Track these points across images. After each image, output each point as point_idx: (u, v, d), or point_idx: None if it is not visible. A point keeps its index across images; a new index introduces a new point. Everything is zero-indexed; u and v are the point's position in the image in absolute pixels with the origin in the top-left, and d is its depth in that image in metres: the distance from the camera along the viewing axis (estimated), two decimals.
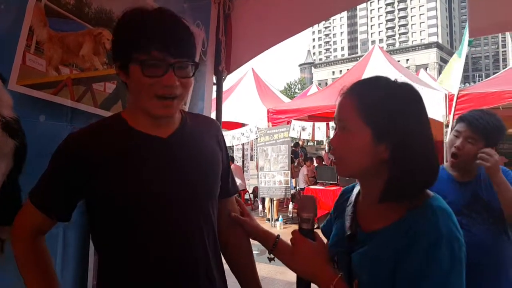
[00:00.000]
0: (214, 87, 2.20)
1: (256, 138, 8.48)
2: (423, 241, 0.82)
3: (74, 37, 1.40)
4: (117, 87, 1.54)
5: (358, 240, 0.95)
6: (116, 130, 1.04)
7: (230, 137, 9.03)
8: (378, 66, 7.93)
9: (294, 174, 9.30)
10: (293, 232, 0.99)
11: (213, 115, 2.24)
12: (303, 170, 8.98)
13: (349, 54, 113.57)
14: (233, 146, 10.92)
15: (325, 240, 1.05)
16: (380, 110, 0.89)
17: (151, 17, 0.97)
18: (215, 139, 1.18)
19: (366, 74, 8.17)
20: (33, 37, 1.27)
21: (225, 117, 9.24)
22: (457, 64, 5.35)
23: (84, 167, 0.99)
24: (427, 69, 58.29)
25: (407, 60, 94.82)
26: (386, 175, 0.91)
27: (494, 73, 11.61)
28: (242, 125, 9.14)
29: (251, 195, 10.13)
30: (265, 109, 8.05)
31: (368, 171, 0.93)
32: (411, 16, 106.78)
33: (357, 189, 1.07)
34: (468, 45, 4.62)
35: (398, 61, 10.31)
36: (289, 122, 8.14)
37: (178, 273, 1.02)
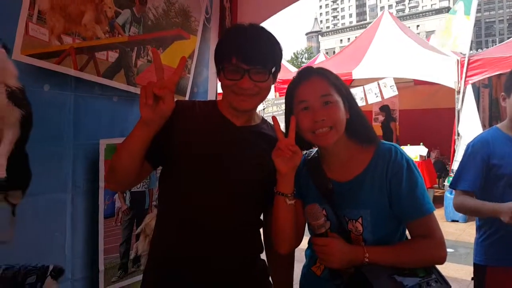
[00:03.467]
0: None
1: (263, 109, 8.44)
2: (402, 166, 1.18)
3: (75, 6, 1.39)
4: (120, 56, 1.54)
5: (336, 192, 1.22)
6: (208, 111, 1.29)
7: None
8: (388, 32, 7.74)
9: None
10: (315, 241, 1.17)
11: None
12: None
13: (357, 21, 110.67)
14: None
15: None
16: (340, 85, 1.22)
17: (240, 32, 1.20)
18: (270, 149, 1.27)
19: (376, 41, 7.98)
20: (35, 6, 1.26)
21: None
22: (466, 24, 5.13)
23: (177, 120, 1.21)
24: None
25: (418, 26, 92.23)
26: (345, 137, 1.23)
27: (508, 38, 11.23)
28: None
29: None
30: None
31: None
32: None
33: (312, 155, 1.33)
34: None
35: (408, 27, 10.02)
36: None
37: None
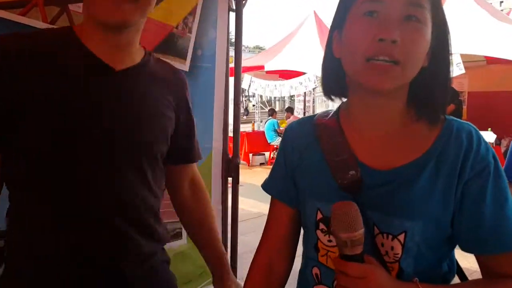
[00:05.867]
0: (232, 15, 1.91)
1: (315, 88, 8.09)
2: (489, 164, 0.70)
3: None
4: None
5: (367, 185, 0.73)
6: (62, 42, 0.86)
7: (287, 87, 8.72)
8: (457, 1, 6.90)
9: None
10: (344, 267, 0.67)
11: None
12: None
13: None
14: (293, 96, 10.60)
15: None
16: (439, 4, 0.72)
17: None
18: (174, 94, 1.02)
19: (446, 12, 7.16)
20: None
21: (283, 66, 8.97)
22: None
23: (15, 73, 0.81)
24: None
25: (501, 2, 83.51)
26: (405, 97, 0.75)
27: None
28: (303, 74, 8.74)
29: None
30: None
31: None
32: None
33: (333, 117, 0.83)
34: None
35: (490, 3, 8.88)
36: None
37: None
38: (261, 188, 0.92)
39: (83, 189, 0.85)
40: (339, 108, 0.85)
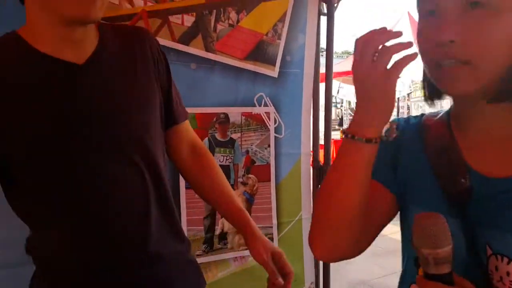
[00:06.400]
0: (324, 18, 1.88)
1: (410, 93, 7.63)
2: None
3: None
4: (197, 20, 1.46)
5: (478, 195, 0.63)
6: (12, 52, 0.79)
7: None
8: None
9: None
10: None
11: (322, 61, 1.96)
12: None
13: None
14: None
15: None
16: None
17: None
18: (147, 55, 0.92)
19: None
20: None
21: None
22: None
23: None
24: None
25: None
26: None
27: None
28: None
29: None
30: None
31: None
32: None
33: (443, 118, 0.73)
34: None
35: None
36: None
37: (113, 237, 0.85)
38: None
39: (98, 196, 0.83)
40: (449, 109, 0.75)
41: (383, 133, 0.63)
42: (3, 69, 0.77)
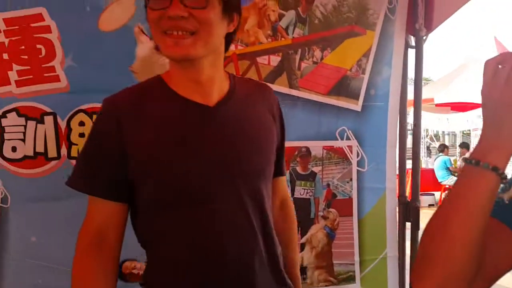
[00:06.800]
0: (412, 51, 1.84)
1: None
2: None
3: None
4: (282, 59, 1.52)
5: None
6: (155, 94, 0.91)
7: (463, 121, 7.81)
8: None
9: None
10: None
11: (410, 90, 1.91)
12: None
13: None
14: (469, 131, 9.44)
15: None
16: None
17: None
18: (269, 109, 1.01)
19: None
20: None
21: (456, 98, 8.13)
22: None
23: (120, 133, 0.86)
24: None
25: None
26: None
27: None
28: (480, 106, 7.71)
29: None
30: None
31: None
32: None
33: None
34: None
35: None
36: None
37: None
38: None
39: (218, 228, 0.87)
40: None
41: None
42: (146, 104, 0.89)
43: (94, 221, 0.88)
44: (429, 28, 1.79)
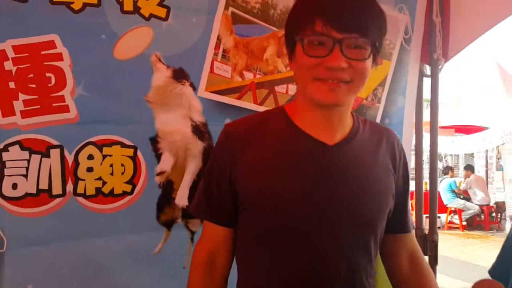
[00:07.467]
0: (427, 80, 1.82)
1: (503, 144, 7.00)
2: None
3: (258, 42, 1.41)
4: None
5: None
6: (275, 125, 0.91)
7: (466, 143, 7.79)
8: None
9: None
10: None
11: (426, 115, 1.89)
12: None
13: None
14: (473, 153, 9.43)
15: None
16: None
17: None
18: (390, 156, 0.96)
19: None
20: (220, 46, 1.34)
21: (460, 120, 8.12)
22: None
23: (234, 160, 0.89)
24: None
25: None
26: None
27: None
28: (484, 129, 7.73)
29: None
30: None
31: None
32: None
33: None
34: None
35: None
36: None
37: None
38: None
39: (313, 268, 0.86)
40: None
41: None
42: (264, 134, 0.90)
43: (209, 241, 0.93)
44: (446, 57, 1.80)
